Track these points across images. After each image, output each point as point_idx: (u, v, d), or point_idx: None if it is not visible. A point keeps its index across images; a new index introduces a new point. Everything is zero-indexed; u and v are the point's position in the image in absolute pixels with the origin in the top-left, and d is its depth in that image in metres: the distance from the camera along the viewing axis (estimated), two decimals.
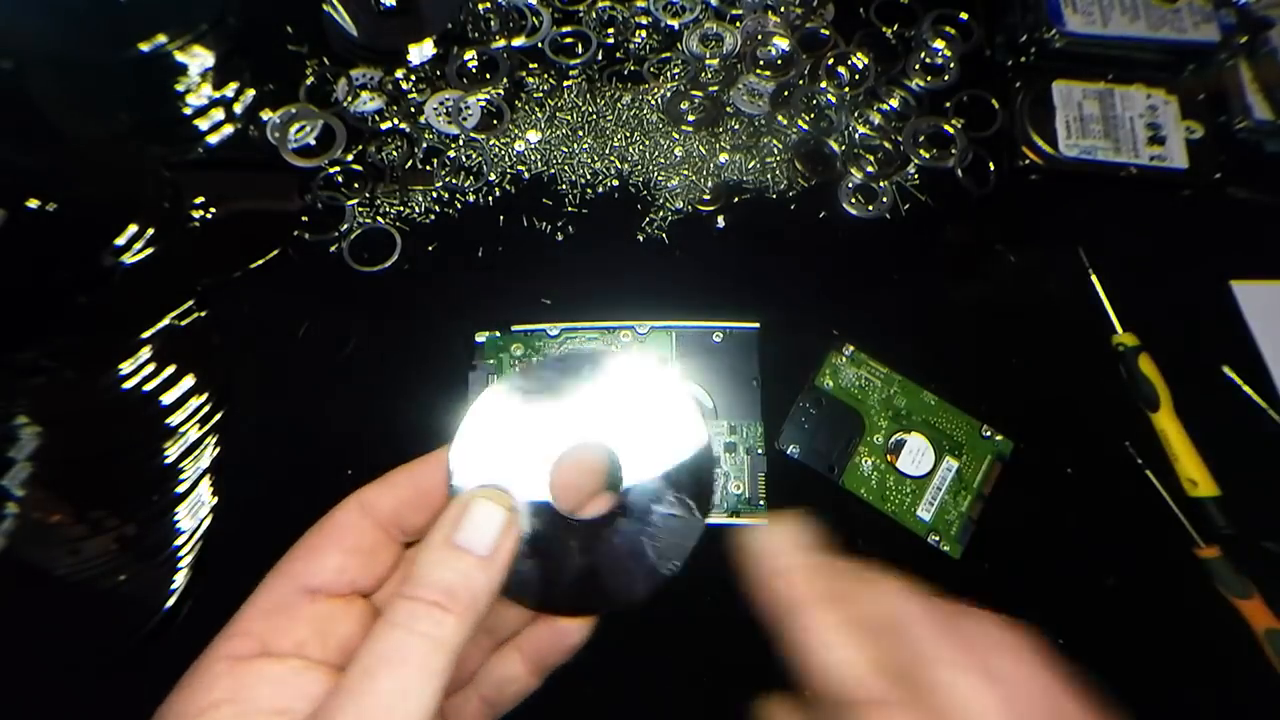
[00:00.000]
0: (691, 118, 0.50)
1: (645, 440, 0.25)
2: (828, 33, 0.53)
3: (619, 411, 0.25)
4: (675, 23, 0.53)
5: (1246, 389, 0.44)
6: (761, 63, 0.52)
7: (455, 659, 0.19)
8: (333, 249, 0.46)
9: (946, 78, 0.52)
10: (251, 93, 0.49)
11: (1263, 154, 0.51)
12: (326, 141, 0.48)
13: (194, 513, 0.39)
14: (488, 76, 0.51)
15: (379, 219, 0.47)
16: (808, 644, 0.22)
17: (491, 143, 0.49)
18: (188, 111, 0.48)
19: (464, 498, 0.21)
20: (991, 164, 0.50)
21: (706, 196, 0.48)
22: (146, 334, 0.41)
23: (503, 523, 0.21)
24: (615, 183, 0.48)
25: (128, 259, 0.43)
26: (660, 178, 0.49)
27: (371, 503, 0.23)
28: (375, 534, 0.22)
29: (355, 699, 0.18)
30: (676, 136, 0.50)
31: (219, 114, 0.49)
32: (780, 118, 0.51)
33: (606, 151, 0.49)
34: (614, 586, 0.24)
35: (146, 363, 0.40)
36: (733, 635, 0.38)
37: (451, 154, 0.49)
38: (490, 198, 0.48)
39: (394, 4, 0.51)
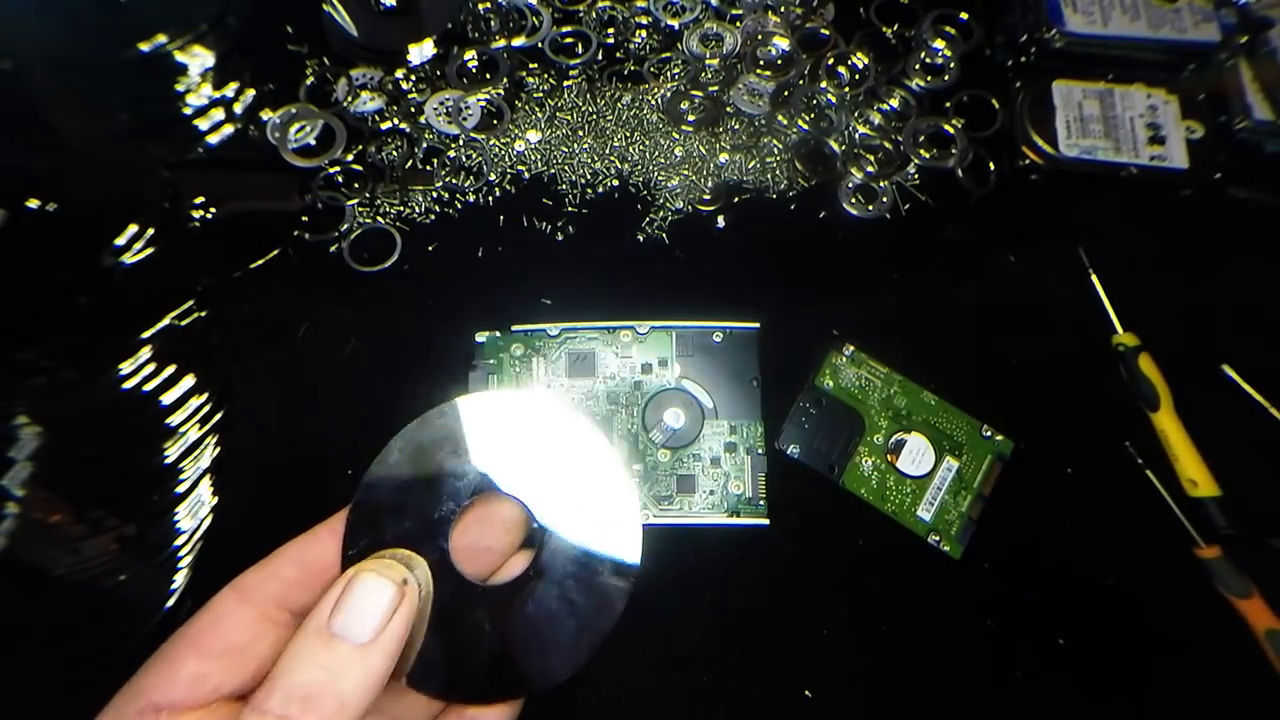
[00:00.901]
0: (691, 118, 0.50)
1: (563, 489, 0.22)
2: (828, 33, 0.53)
3: (531, 458, 0.22)
4: (675, 23, 0.53)
5: (1246, 388, 0.43)
6: (761, 63, 0.52)
7: None
8: (333, 249, 0.46)
9: (946, 78, 0.52)
10: (251, 93, 0.49)
11: (1263, 154, 0.51)
12: (326, 141, 0.48)
13: (194, 513, 0.39)
14: (488, 76, 0.51)
15: (379, 219, 0.47)
16: None
17: (491, 143, 0.49)
18: (188, 111, 0.48)
19: (348, 573, 0.19)
20: (991, 164, 0.50)
21: (706, 196, 0.48)
22: (146, 334, 0.41)
23: (390, 600, 0.18)
24: (615, 183, 0.48)
25: (128, 259, 0.43)
26: (660, 178, 0.49)
27: (251, 588, 0.21)
28: (255, 624, 0.20)
29: None
30: (676, 136, 0.50)
31: (219, 114, 0.49)
32: (780, 118, 0.51)
33: (606, 151, 0.49)
34: (530, 665, 0.21)
35: (146, 363, 0.40)
36: (732, 635, 0.38)
37: (451, 154, 0.49)
38: (490, 198, 0.48)
39: (394, 4, 0.51)
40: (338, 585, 0.19)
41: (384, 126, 0.49)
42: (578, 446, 0.22)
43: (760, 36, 0.53)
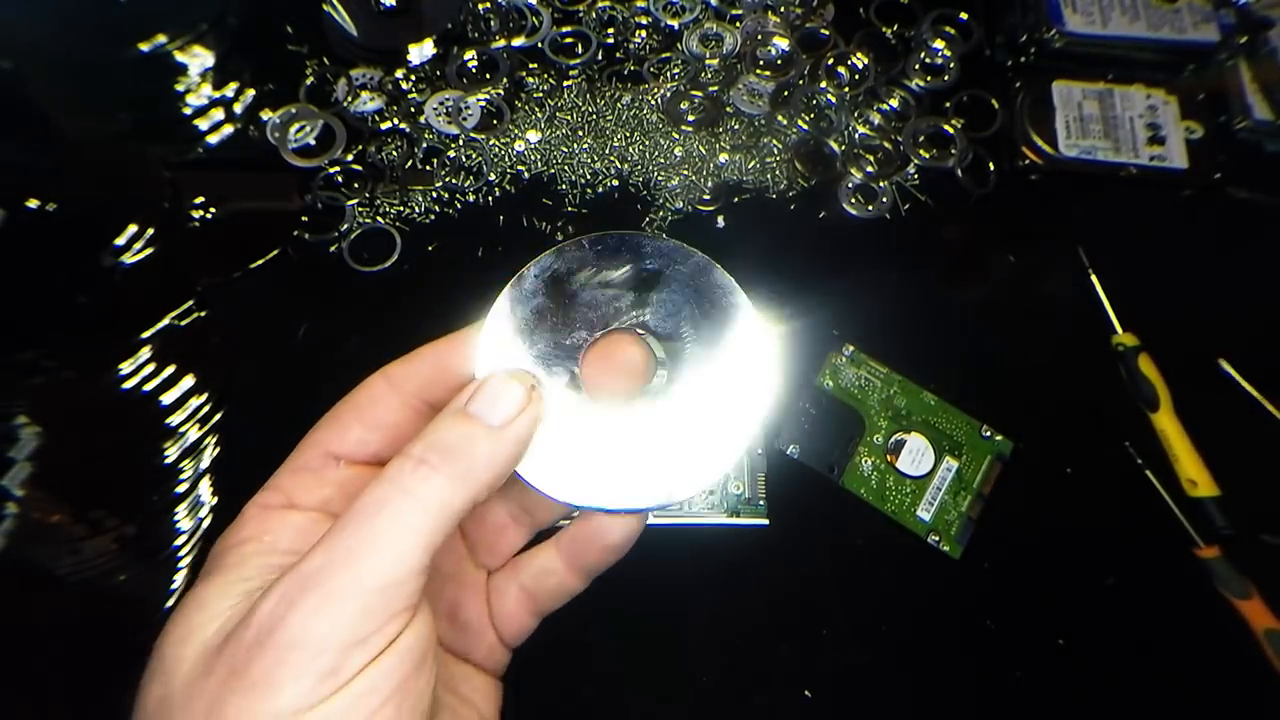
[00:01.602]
0: (691, 118, 0.50)
1: (696, 336, 0.23)
2: (828, 33, 0.53)
3: (669, 304, 0.23)
4: (675, 23, 0.53)
5: (1245, 385, 0.43)
6: (761, 63, 0.52)
7: (442, 520, 0.18)
8: (333, 249, 0.46)
9: (946, 78, 0.52)
10: (251, 93, 0.49)
11: (1263, 154, 0.51)
12: (326, 141, 0.48)
13: (194, 513, 0.39)
14: (488, 76, 0.51)
15: (379, 219, 0.47)
16: None
17: (491, 143, 0.49)
18: (188, 111, 0.48)
19: (484, 374, 0.21)
20: (991, 164, 0.50)
21: (706, 196, 0.48)
22: (146, 334, 0.41)
23: (520, 398, 0.21)
24: (615, 183, 0.48)
25: (128, 259, 0.43)
26: (660, 178, 0.49)
27: (398, 378, 0.23)
28: (401, 410, 0.23)
29: (328, 546, 0.18)
30: (676, 136, 0.50)
31: (219, 114, 0.49)
32: (780, 118, 0.51)
33: (606, 151, 0.49)
34: (650, 482, 0.22)
35: (146, 363, 0.40)
36: (732, 635, 0.38)
37: (451, 154, 0.49)
38: (490, 198, 0.48)
39: (394, 4, 0.51)
40: (477, 380, 0.21)
41: (384, 126, 0.49)
42: (725, 314, 0.24)
43: (760, 36, 0.53)
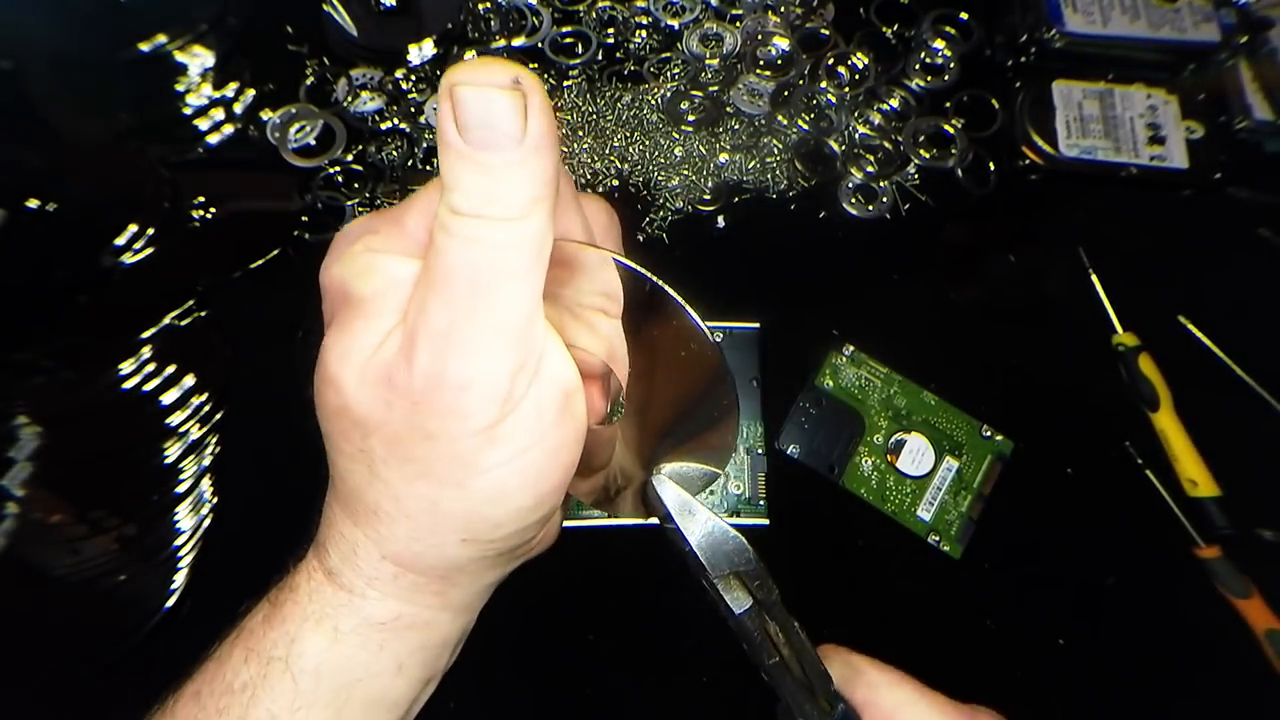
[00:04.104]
0: (691, 118, 0.50)
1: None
2: (828, 33, 0.53)
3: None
4: (675, 23, 0.53)
5: (1246, 379, 0.43)
6: (761, 63, 0.52)
7: (533, 254, 0.18)
8: None
9: (946, 78, 0.52)
10: (251, 93, 0.49)
11: (1263, 154, 0.51)
12: (326, 141, 0.48)
13: (194, 513, 0.39)
14: None
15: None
16: None
17: None
18: (188, 111, 0.48)
19: (449, 82, 0.16)
20: (991, 164, 0.50)
21: (706, 196, 0.48)
22: (146, 334, 0.41)
23: (510, 102, 0.16)
24: (615, 183, 0.48)
25: (128, 259, 0.43)
26: (660, 178, 0.49)
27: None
28: None
29: (446, 304, 0.18)
30: (676, 136, 0.50)
31: (219, 114, 0.49)
32: (780, 118, 0.51)
33: (606, 151, 0.49)
34: None
35: (146, 363, 0.40)
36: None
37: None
38: None
39: (394, 4, 0.51)
40: (443, 98, 0.17)
41: (384, 126, 0.49)
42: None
43: (760, 36, 0.53)
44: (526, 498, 0.19)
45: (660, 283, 0.22)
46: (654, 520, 0.24)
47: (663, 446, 0.24)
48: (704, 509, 0.23)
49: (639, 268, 0.22)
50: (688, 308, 0.22)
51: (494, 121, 0.16)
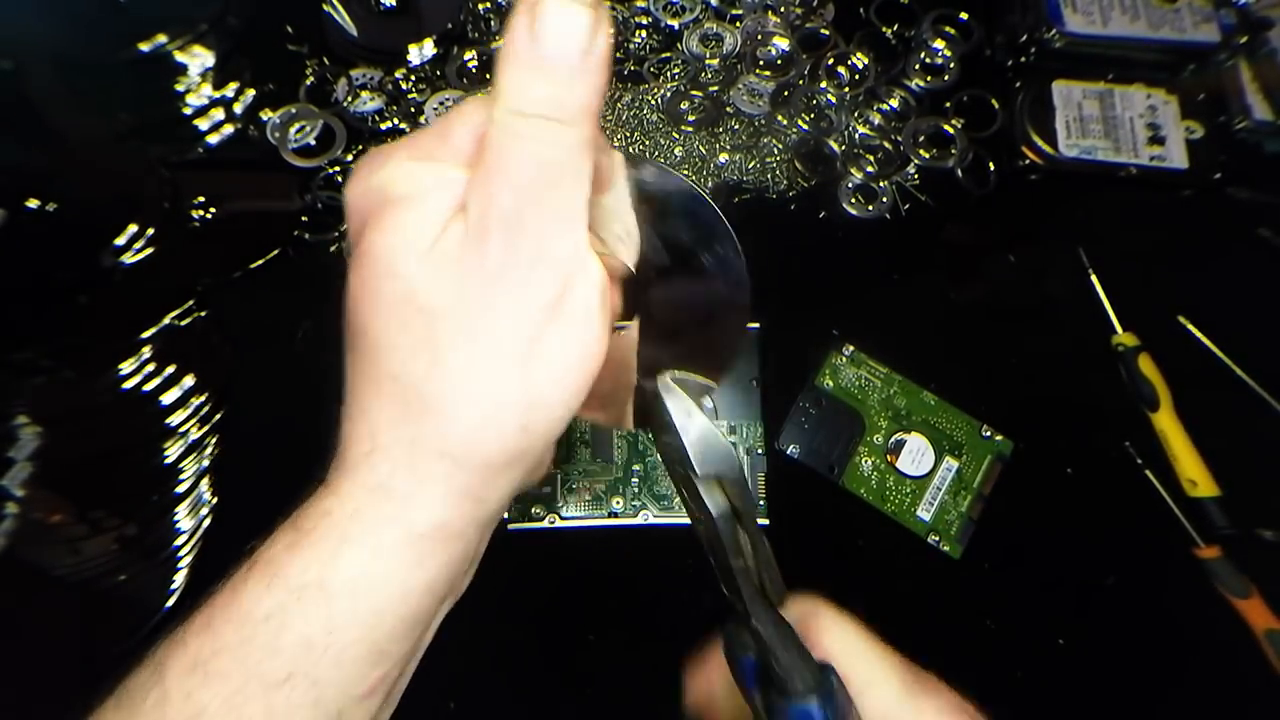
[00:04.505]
0: (691, 118, 0.50)
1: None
2: (828, 33, 0.53)
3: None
4: (675, 23, 0.53)
5: (1246, 379, 0.43)
6: (761, 63, 0.52)
7: (588, 162, 0.20)
8: (333, 249, 0.46)
9: (946, 78, 0.52)
10: (251, 93, 0.49)
11: (1263, 154, 0.51)
12: (326, 141, 0.48)
13: (194, 513, 0.39)
14: (488, 76, 0.51)
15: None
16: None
17: None
18: (188, 111, 0.48)
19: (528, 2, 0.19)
20: (991, 164, 0.50)
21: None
22: (146, 334, 0.41)
23: (588, 19, 0.19)
24: None
25: (128, 259, 0.43)
26: None
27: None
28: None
29: (513, 188, 0.19)
30: (676, 136, 0.50)
31: (219, 114, 0.49)
32: (780, 118, 0.51)
33: None
34: None
35: (146, 363, 0.40)
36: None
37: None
38: None
39: (394, 4, 0.51)
40: (523, 11, 0.19)
41: (384, 126, 0.49)
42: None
43: (760, 36, 0.53)
44: (578, 379, 0.21)
45: (696, 187, 0.25)
46: (647, 439, 0.26)
47: (666, 354, 0.26)
48: (702, 415, 0.24)
49: (675, 172, 0.25)
50: (721, 215, 0.24)
51: (573, 33, 0.19)
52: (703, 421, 0.24)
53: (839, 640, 0.25)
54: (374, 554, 0.21)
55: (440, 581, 0.22)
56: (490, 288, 0.20)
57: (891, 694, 0.24)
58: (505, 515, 0.38)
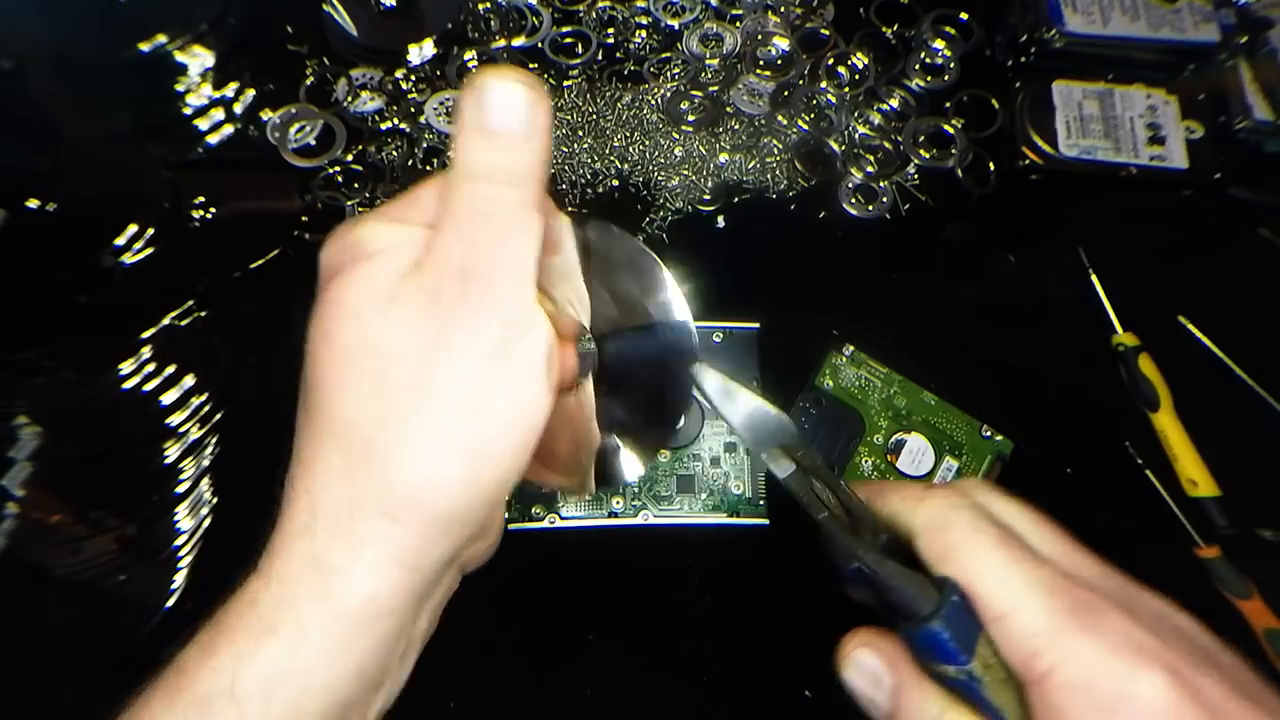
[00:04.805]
0: (691, 118, 0.50)
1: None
2: (828, 33, 0.53)
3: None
4: (675, 23, 0.53)
5: (1246, 379, 0.43)
6: (761, 63, 0.52)
7: (537, 218, 0.21)
8: None
9: (946, 78, 0.52)
10: (251, 93, 0.49)
11: (1263, 154, 0.51)
12: (326, 141, 0.48)
13: (194, 513, 0.39)
14: None
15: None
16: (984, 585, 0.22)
17: None
18: (188, 111, 0.48)
19: (475, 80, 0.22)
20: (991, 164, 0.50)
21: (706, 196, 0.48)
22: (146, 334, 0.41)
23: (526, 96, 0.21)
24: (615, 183, 0.48)
25: (128, 259, 0.43)
26: (660, 178, 0.49)
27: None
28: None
29: (467, 243, 0.21)
30: (676, 136, 0.50)
31: (219, 114, 0.49)
32: (780, 118, 0.51)
33: (606, 151, 0.49)
34: None
35: (146, 363, 0.40)
36: (732, 635, 0.38)
37: (451, 154, 0.49)
38: None
39: (394, 4, 0.51)
40: (474, 88, 0.21)
41: (384, 126, 0.49)
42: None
43: (760, 36, 0.53)
44: (523, 433, 0.21)
45: (636, 241, 0.26)
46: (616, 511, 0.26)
47: (620, 408, 0.27)
48: (745, 392, 0.24)
49: (615, 227, 0.26)
50: (661, 264, 0.26)
51: (513, 107, 0.21)
52: (747, 398, 0.24)
53: (976, 558, 0.22)
54: (295, 644, 0.20)
55: (371, 667, 0.21)
56: (441, 333, 0.20)
57: (1037, 624, 0.21)
58: (505, 515, 0.38)
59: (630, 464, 0.26)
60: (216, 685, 0.19)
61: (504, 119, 0.21)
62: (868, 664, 0.25)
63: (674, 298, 0.27)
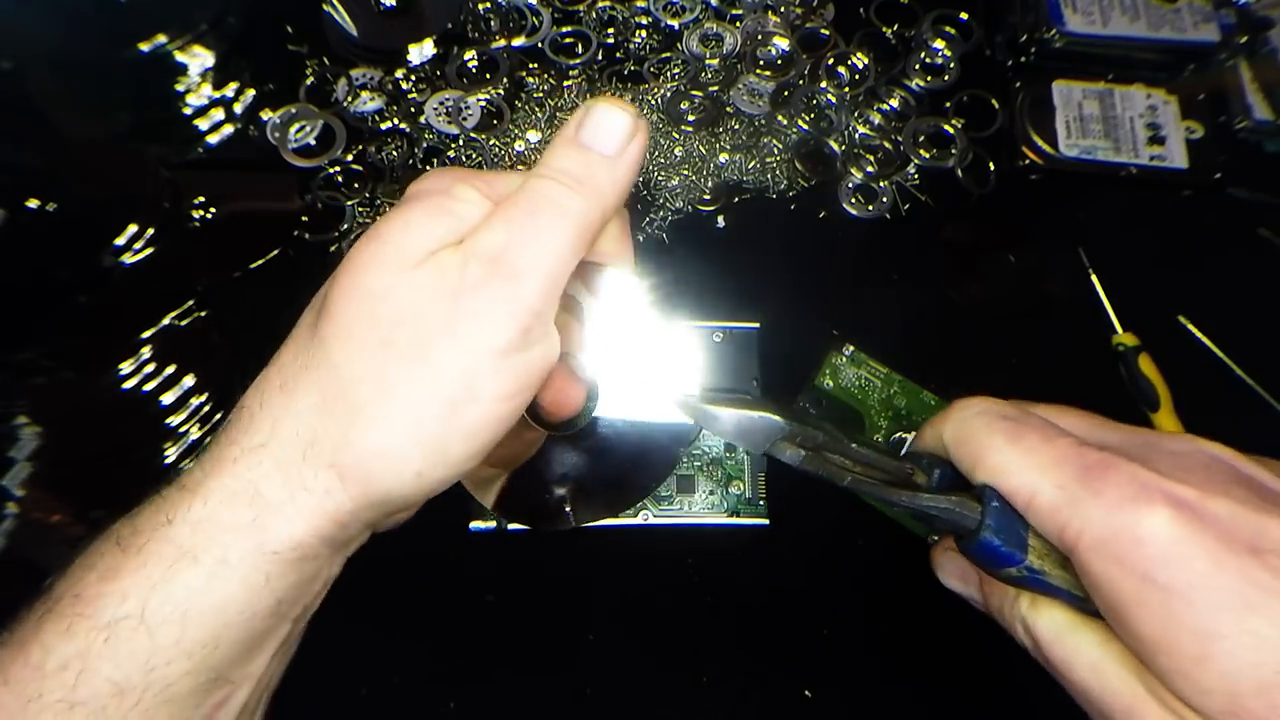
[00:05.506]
0: (691, 118, 0.50)
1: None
2: (828, 33, 0.54)
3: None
4: (675, 23, 0.53)
5: (1246, 379, 0.43)
6: (761, 63, 0.52)
7: (585, 231, 0.22)
8: (333, 249, 0.46)
9: (946, 78, 0.52)
10: (251, 93, 0.49)
11: (1263, 154, 0.51)
12: (326, 141, 0.48)
13: None
14: (488, 76, 0.51)
15: (379, 219, 0.47)
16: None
17: (492, 143, 0.49)
18: (188, 111, 0.48)
19: (590, 102, 0.23)
20: (991, 164, 0.50)
21: (706, 196, 0.48)
22: (146, 334, 0.41)
23: (628, 125, 0.23)
24: None
25: (128, 259, 0.43)
26: (660, 178, 0.49)
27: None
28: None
29: (508, 227, 0.21)
30: (676, 136, 0.50)
31: (219, 114, 0.49)
32: (780, 118, 0.51)
33: None
34: None
35: (146, 363, 0.40)
36: (732, 635, 0.38)
37: (451, 154, 0.49)
38: None
39: (394, 4, 0.51)
40: (583, 108, 0.23)
41: (384, 126, 0.49)
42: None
43: (760, 36, 0.53)
44: (484, 443, 0.22)
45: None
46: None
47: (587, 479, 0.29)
48: (724, 409, 0.25)
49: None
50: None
51: (612, 129, 0.23)
52: (728, 414, 0.25)
53: (996, 457, 0.24)
54: (211, 574, 0.19)
55: (289, 603, 0.21)
56: (453, 311, 0.20)
57: (1054, 498, 0.22)
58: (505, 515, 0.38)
59: (701, 416, 0.26)
60: (123, 609, 0.19)
61: (595, 138, 0.22)
62: (949, 566, 0.28)
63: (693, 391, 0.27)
